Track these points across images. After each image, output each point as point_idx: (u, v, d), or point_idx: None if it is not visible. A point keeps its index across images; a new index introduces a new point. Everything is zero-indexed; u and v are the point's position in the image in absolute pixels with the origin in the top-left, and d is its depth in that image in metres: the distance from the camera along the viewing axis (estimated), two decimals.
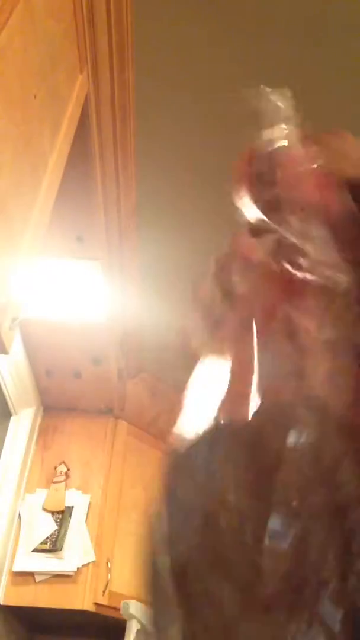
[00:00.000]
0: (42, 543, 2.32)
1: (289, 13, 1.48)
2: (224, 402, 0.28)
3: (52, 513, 2.41)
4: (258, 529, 0.22)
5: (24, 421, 2.58)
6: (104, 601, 2.30)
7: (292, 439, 0.23)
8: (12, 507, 2.39)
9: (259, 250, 0.32)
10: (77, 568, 2.29)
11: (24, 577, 2.28)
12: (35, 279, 1.90)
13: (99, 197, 1.72)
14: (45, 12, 1.05)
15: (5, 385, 2.36)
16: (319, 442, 0.23)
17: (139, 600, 2.33)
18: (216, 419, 0.29)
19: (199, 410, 0.30)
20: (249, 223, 0.35)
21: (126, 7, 1.42)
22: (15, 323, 1.01)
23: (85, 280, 1.92)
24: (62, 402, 2.70)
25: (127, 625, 1.95)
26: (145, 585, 0.28)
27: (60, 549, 2.29)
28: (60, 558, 2.29)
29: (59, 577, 2.28)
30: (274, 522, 0.22)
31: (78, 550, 2.33)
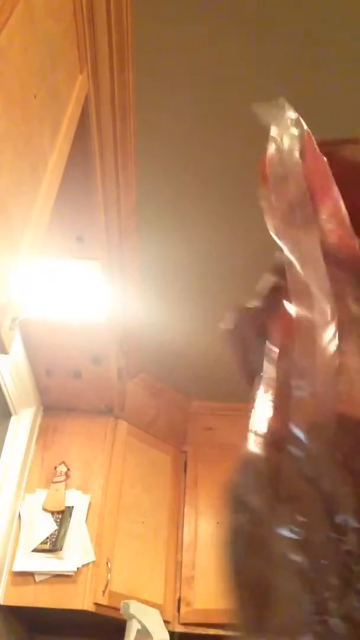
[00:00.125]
0: (42, 543, 2.32)
1: (290, 13, 1.48)
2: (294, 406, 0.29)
3: (52, 513, 2.41)
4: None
5: (24, 421, 2.58)
6: (104, 601, 2.30)
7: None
8: (12, 507, 2.39)
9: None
10: (77, 568, 2.29)
11: (24, 577, 2.28)
12: (35, 279, 1.90)
13: (99, 197, 1.72)
14: (45, 12, 1.05)
15: (5, 385, 2.36)
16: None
17: (138, 600, 2.33)
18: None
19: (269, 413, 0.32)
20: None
21: (126, 7, 1.42)
22: (15, 323, 1.00)
23: (85, 280, 1.92)
24: (62, 402, 2.70)
25: (127, 625, 1.95)
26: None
27: (60, 549, 2.29)
28: (60, 558, 2.29)
29: (59, 577, 2.28)
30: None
31: (78, 550, 2.33)
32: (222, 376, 3.05)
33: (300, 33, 1.52)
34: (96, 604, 2.28)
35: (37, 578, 2.27)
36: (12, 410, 2.54)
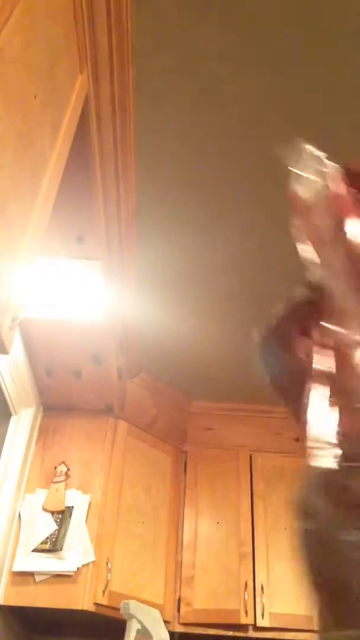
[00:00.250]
0: (42, 543, 2.32)
1: (290, 13, 1.48)
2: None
3: (52, 513, 2.41)
4: None
5: (24, 421, 2.58)
6: (104, 601, 2.30)
7: None
8: (12, 507, 2.39)
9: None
10: (77, 568, 2.29)
11: (24, 577, 2.28)
12: (35, 279, 1.90)
13: (99, 198, 1.72)
14: (45, 12, 1.05)
15: (5, 385, 2.36)
16: None
17: (138, 600, 2.33)
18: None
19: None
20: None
21: (126, 7, 1.42)
22: (15, 323, 1.01)
23: (85, 280, 1.92)
24: (62, 402, 2.70)
25: (127, 625, 1.95)
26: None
27: (60, 549, 2.29)
28: (60, 558, 2.29)
29: (59, 577, 2.28)
30: None
31: (78, 550, 2.33)
32: (222, 376, 3.06)
33: (302, 34, 1.53)
34: (96, 604, 2.28)
35: (37, 578, 2.27)
36: (12, 410, 2.54)
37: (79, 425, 2.71)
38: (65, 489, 2.48)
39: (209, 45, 1.56)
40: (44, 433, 2.69)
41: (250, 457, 3.08)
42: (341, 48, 1.55)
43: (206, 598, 2.66)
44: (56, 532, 2.34)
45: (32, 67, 1.01)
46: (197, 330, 2.70)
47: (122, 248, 2.13)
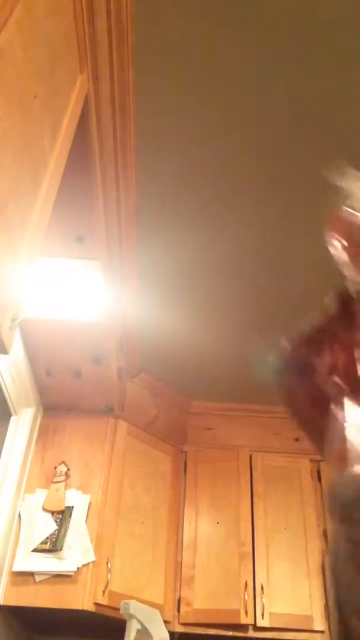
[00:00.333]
0: (42, 543, 2.32)
1: (291, 11, 1.48)
2: None
3: (52, 513, 2.41)
4: None
5: (24, 421, 2.58)
6: (104, 601, 2.30)
7: None
8: (12, 507, 2.38)
9: None
10: (77, 568, 2.29)
11: (24, 577, 2.28)
12: (35, 279, 1.90)
13: (99, 197, 1.72)
14: (45, 12, 1.05)
15: (5, 385, 2.36)
16: None
17: (138, 600, 2.33)
18: None
19: None
20: None
21: (126, 7, 1.42)
22: (15, 323, 1.01)
23: (85, 280, 1.92)
24: (62, 402, 2.70)
25: (127, 625, 1.95)
26: None
27: (60, 549, 2.29)
28: (60, 558, 2.29)
29: (59, 577, 2.28)
30: None
31: (78, 550, 2.33)
32: (222, 376, 3.06)
33: (302, 35, 1.52)
34: (96, 604, 2.28)
35: (37, 578, 2.27)
36: (12, 410, 2.54)
37: (79, 425, 2.71)
38: (65, 489, 2.48)
39: (208, 45, 1.56)
40: (44, 433, 2.69)
41: (250, 457, 3.08)
42: (342, 48, 1.55)
43: (206, 598, 2.66)
44: (56, 532, 2.34)
45: (32, 67, 1.01)
46: (197, 330, 2.69)
47: (122, 248, 2.13)
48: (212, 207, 2.05)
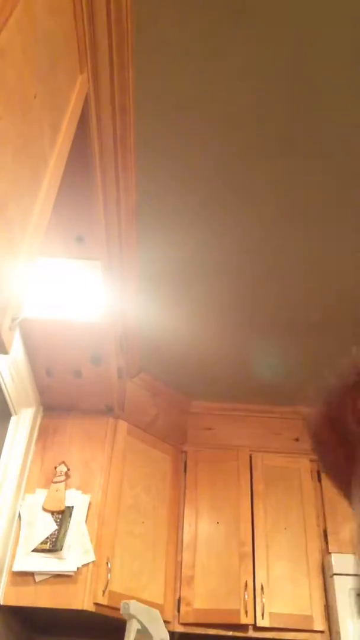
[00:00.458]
0: (42, 543, 2.32)
1: (292, 11, 1.48)
2: None
3: (52, 513, 2.41)
4: None
5: (24, 421, 2.58)
6: (104, 601, 2.30)
7: None
8: (12, 507, 2.39)
9: None
10: (77, 568, 2.29)
11: (24, 577, 2.28)
12: (35, 279, 1.89)
13: (99, 197, 1.72)
14: (45, 12, 1.05)
15: (5, 385, 2.36)
16: None
17: (138, 600, 2.33)
18: None
19: None
20: None
21: (126, 7, 1.42)
22: (15, 323, 1.01)
23: (85, 280, 1.92)
24: (62, 402, 2.70)
25: (127, 625, 1.94)
26: None
27: (60, 549, 2.29)
28: (60, 558, 2.29)
29: (59, 577, 2.28)
30: None
31: (78, 550, 2.33)
32: (222, 376, 3.06)
33: (302, 34, 1.53)
34: (96, 604, 2.28)
35: (37, 578, 2.28)
36: (12, 410, 2.54)
37: (79, 425, 2.71)
38: (65, 489, 2.48)
39: (208, 45, 1.56)
40: (44, 433, 2.69)
41: (250, 457, 3.08)
42: (343, 47, 1.55)
43: (206, 598, 2.66)
44: (56, 532, 2.34)
45: (32, 67, 1.01)
46: (197, 330, 2.70)
47: (122, 248, 2.13)
48: (212, 207, 2.05)
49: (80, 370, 2.47)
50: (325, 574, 2.72)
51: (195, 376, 3.06)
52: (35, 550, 2.30)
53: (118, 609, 2.15)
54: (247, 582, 2.67)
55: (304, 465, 3.06)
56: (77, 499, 2.47)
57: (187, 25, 1.52)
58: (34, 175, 1.07)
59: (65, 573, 2.28)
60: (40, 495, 2.47)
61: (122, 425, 2.80)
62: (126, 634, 1.91)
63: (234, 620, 2.57)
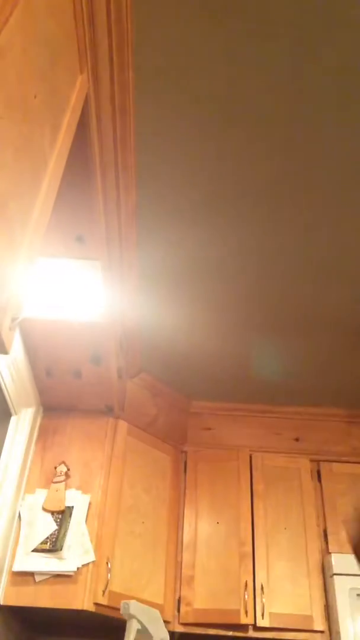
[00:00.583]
0: (42, 543, 2.32)
1: (291, 14, 1.48)
2: None
3: (52, 513, 2.41)
4: None
5: (24, 421, 2.58)
6: (104, 601, 2.30)
7: None
8: (12, 507, 2.39)
9: None
10: (77, 568, 2.29)
11: (24, 577, 2.28)
12: (35, 279, 1.90)
13: (99, 197, 1.72)
14: (45, 12, 1.05)
15: (5, 385, 2.36)
16: None
17: (138, 600, 2.33)
18: None
19: None
20: None
21: (126, 7, 1.42)
22: (15, 323, 1.01)
23: (85, 280, 1.92)
24: (62, 402, 2.70)
25: (127, 625, 1.94)
26: None
27: (60, 549, 2.29)
28: (60, 558, 2.29)
29: (59, 577, 2.28)
30: None
31: (78, 550, 2.33)
32: (222, 376, 3.06)
33: (302, 34, 1.53)
34: (96, 604, 2.28)
35: (37, 578, 2.28)
36: (12, 410, 2.54)
37: (79, 425, 2.71)
38: (65, 489, 2.48)
39: (208, 45, 1.56)
40: (44, 433, 2.69)
41: (250, 457, 3.08)
42: (344, 46, 1.55)
43: (206, 598, 2.66)
44: (56, 532, 2.34)
45: (32, 67, 1.01)
46: (197, 330, 2.70)
47: (122, 248, 2.13)
48: (212, 207, 2.05)
49: (80, 370, 2.47)
50: (325, 574, 2.72)
51: (195, 376, 3.06)
52: (35, 550, 2.31)
53: (118, 609, 2.15)
54: (247, 582, 2.67)
55: (304, 465, 3.06)
56: (77, 499, 2.47)
57: (187, 25, 1.52)
58: (34, 175, 1.07)
59: (65, 573, 2.28)
60: (40, 495, 2.47)
61: (122, 425, 2.80)
62: (126, 634, 1.91)
63: (234, 620, 2.57)
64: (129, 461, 2.76)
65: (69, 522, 2.39)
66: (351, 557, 2.69)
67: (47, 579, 2.28)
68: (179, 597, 2.68)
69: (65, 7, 1.18)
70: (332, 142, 1.79)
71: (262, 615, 2.57)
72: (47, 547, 2.30)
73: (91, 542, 2.37)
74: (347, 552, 2.77)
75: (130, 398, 2.92)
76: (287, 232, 2.13)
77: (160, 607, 2.52)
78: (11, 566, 2.29)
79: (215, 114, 1.74)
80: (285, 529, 2.85)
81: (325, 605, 2.64)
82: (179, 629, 2.61)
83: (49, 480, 2.52)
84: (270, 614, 2.58)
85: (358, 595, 2.57)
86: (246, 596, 2.62)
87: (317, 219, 2.07)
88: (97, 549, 2.38)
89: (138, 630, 1.94)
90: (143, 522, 2.69)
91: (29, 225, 1.07)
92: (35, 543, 2.32)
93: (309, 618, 2.59)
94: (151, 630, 1.97)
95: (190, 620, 2.61)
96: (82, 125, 1.45)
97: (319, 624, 2.57)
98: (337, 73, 1.60)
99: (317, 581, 2.69)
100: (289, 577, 2.70)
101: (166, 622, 2.52)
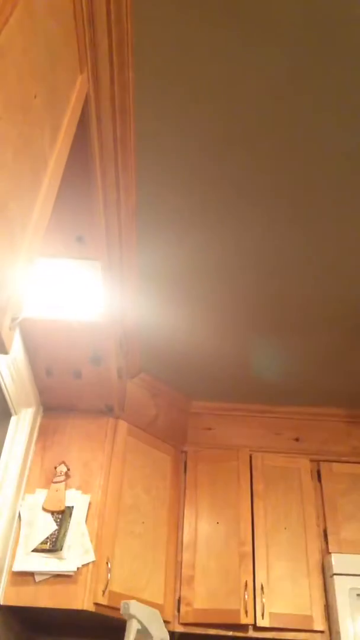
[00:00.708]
0: (42, 543, 2.32)
1: (291, 15, 1.48)
2: None
3: (52, 513, 2.41)
4: None
5: (24, 421, 2.58)
6: (104, 601, 2.30)
7: None
8: (12, 507, 2.39)
9: None
10: (77, 568, 2.29)
11: (24, 577, 2.28)
12: (35, 279, 1.89)
13: (99, 197, 1.72)
14: (45, 12, 1.05)
15: (5, 385, 2.36)
16: None
17: (138, 600, 2.33)
18: None
19: None
20: None
21: (126, 7, 1.42)
22: (15, 323, 1.01)
23: (85, 280, 1.92)
24: (62, 402, 2.70)
25: (127, 625, 1.94)
26: None
27: (60, 549, 2.29)
28: (60, 558, 2.29)
29: (59, 577, 2.28)
30: None
31: (78, 550, 2.33)
32: (222, 376, 3.06)
33: (302, 35, 1.53)
34: (96, 604, 2.28)
35: (37, 578, 2.28)
36: (12, 410, 2.54)
37: (79, 425, 2.71)
38: (65, 489, 2.49)
39: (208, 45, 1.56)
40: (44, 433, 2.69)
41: (250, 457, 3.09)
42: (345, 48, 1.55)
43: (206, 598, 2.66)
44: (56, 532, 2.34)
45: (32, 67, 1.01)
46: (197, 330, 2.70)
47: (122, 248, 2.13)
48: (212, 207, 2.05)
49: (80, 371, 2.47)
50: (325, 574, 2.72)
51: (195, 376, 3.06)
52: (35, 550, 2.31)
53: (118, 609, 2.15)
54: (247, 582, 2.67)
55: (304, 465, 3.06)
56: (77, 499, 2.47)
57: (187, 25, 1.52)
58: (34, 175, 1.07)
59: (65, 573, 2.28)
60: (40, 495, 2.47)
61: (122, 425, 2.80)
62: (126, 634, 1.91)
63: (234, 620, 2.57)
64: (129, 461, 2.76)
65: (69, 522, 2.39)
66: (351, 557, 2.69)
67: (47, 579, 2.28)
68: (179, 597, 2.68)
69: (65, 7, 1.18)
70: (332, 143, 1.79)
71: (262, 615, 2.57)
72: (47, 547, 2.30)
73: (91, 542, 2.37)
74: (347, 552, 2.77)
75: (130, 398, 2.92)
76: (286, 232, 2.13)
77: (160, 607, 2.52)
78: (11, 566, 2.29)
79: (216, 114, 1.74)
80: (285, 529, 2.85)
81: (325, 605, 2.64)
82: (179, 629, 2.61)
83: (49, 480, 2.52)
84: (270, 614, 2.58)
85: (358, 595, 2.57)
86: (246, 596, 2.62)
87: (316, 219, 2.07)
88: (97, 549, 2.39)
89: (138, 630, 1.94)
90: (143, 522, 2.69)
91: (29, 225, 1.07)
92: (35, 543, 2.32)
93: (309, 618, 2.59)
94: (151, 630, 1.97)
95: (190, 620, 2.62)
96: (82, 125, 1.45)
97: (319, 624, 2.57)
98: (337, 73, 1.60)
99: (317, 581, 2.69)
100: (289, 577, 2.70)
101: (166, 622, 2.52)
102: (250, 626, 2.57)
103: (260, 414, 3.25)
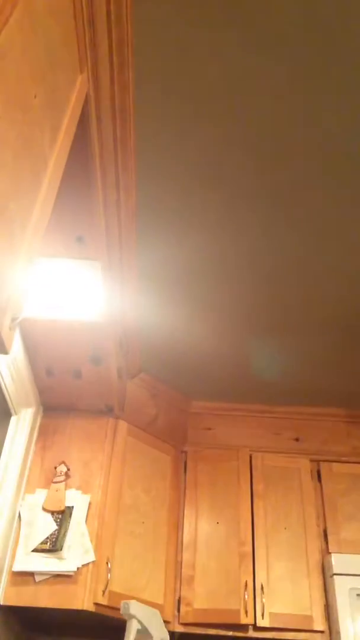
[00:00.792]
0: (42, 543, 2.32)
1: (291, 15, 1.48)
2: None
3: (52, 513, 2.41)
4: None
5: (24, 421, 2.58)
6: (104, 601, 2.30)
7: None
8: (12, 507, 2.39)
9: None
10: (77, 568, 2.29)
11: (24, 577, 2.28)
12: (35, 279, 1.89)
13: (99, 197, 1.72)
14: (45, 12, 1.05)
15: (5, 385, 2.36)
16: None
17: (138, 600, 2.33)
18: None
19: None
20: None
21: (126, 7, 1.42)
22: (15, 323, 1.01)
23: (85, 280, 1.92)
24: (62, 402, 2.70)
25: (127, 625, 1.95)
26: None
27: (60, 549, 2.29)
28: (60, 558, 2.29)
29: (59, 577, 2.28)
30: None
31: (78, 550, 2.33)
32: (222, 376, 3.06)
33: (302, 36, 1.53)
34: (96, 604, 2.28)
35: (37, 578, 2.28)
36: (12, 410, 2.54)
37: (79, 425, 2.71)
38: (65, 489, 2.49)
39: (208, 45, 1.56)
40: (44, 433, 2.69)
41: (250, 457, 3.08)
42: (345, 49, 1.55)
43: (206, 598, 2.66)
44: (56, 532, 2.34)
45: (32, 67, 1.01)
46: (197, 330, 2.70)
47: (122, 248, 2.13)
48: (212, 208, 2.05)
49: (80, 370, 2.47)
50: (325, 574, 2.72)
51: (195, 376, 3.06)
52: (35, 550, 2.31)
53: (118, 609, 2.15)
54: (247, 582, 2.67)
55: (304, 465, 3.06)
56: (77, 499, 2.47)
57: (187, 25, 1.52)
58: (34, 176, 1.07)
59: (65, 573, 2.28)
60: (40, 495, 2.47)
61: (122, 425, 2.80)
62: (126, 634, 1.91)
63: (234, 620, 2.57)
64: (128, 461, 2.76)
65: (69, 522, 2.39)
66: (351, 557, 2.69)
67: (47, 579, 2.28)
68: (179, 597, 2.68)
69: (65, 7, 1.18)
70: (332, 143, 1.79)
71: (262, 615, 2.57)
72: (47, 547, 2.30)
73: (91, 542, 2.37)
74: (347, 552, 2.77)
75: (130, 398, 2.92)
76: (285, 233, 2.13)
77: (160, 607, 2.52)
78: (11, 566, 2.29)
79: (216, 115, 1.73)
80: (285, 529, 2.85)
81: (325, 605, 2.64)
82: (179, 629, 2.61)
83: (49, 480, 2.52)
84: (270, 614, 2.58)
85: (358, 595, 2.57)
86: (246, 596, 2.62)
87: (315, 220, 2.07)
88: (97, 549, 2.39)
89: (138, 630, 1.94)
90: (143, 522, 2.69)
91: (29, 225, 1.07)
92: (35, 543, 2.32)
93: (309, 618, 2.59)
94: (151, 630, 1.97)
95: (190, 620, 2.62)
96: (82, 125, 1.45)
97: (319, 624, 2.57)
98: (337, 74, 1.60)
99: (317, 581, 2.69)
100: (289, 577, 2.70)
101: (166, 622, 2.52)
102: (250, 626, 2.57)
103: (260, 414, 3.25)
